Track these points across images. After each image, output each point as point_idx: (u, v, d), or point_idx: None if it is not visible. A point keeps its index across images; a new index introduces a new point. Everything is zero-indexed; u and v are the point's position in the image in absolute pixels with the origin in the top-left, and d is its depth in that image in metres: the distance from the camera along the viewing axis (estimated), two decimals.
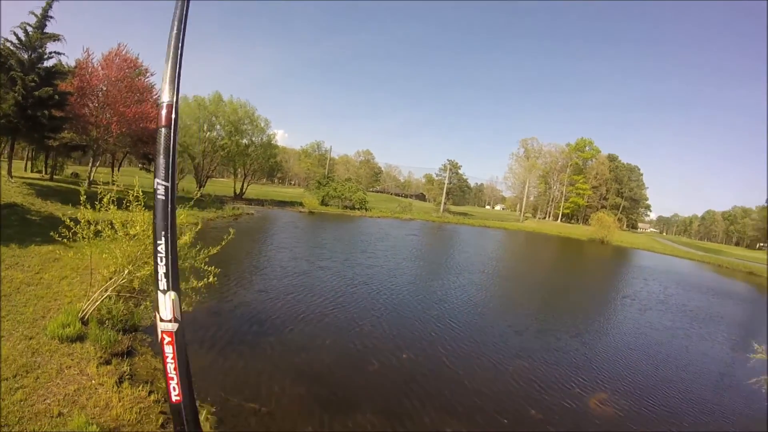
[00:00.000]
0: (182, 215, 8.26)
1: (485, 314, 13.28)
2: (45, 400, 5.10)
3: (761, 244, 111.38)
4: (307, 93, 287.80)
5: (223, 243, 7.53)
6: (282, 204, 48.48)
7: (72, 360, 6.13)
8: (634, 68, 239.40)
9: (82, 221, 7.34)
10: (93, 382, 5.67)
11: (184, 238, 7.41)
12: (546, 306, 16.29)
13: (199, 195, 28.39)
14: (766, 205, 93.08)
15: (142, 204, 7.35)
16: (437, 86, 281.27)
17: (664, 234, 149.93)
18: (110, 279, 7.87)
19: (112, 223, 7.21)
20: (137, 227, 7.08)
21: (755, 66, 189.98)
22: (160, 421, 5.09)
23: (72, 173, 34.93)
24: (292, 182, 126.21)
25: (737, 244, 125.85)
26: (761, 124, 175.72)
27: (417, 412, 6.61)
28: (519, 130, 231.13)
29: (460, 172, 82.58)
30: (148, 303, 8.23)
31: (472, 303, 14.42)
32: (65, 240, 7.39)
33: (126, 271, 7.28)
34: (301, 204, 48.47)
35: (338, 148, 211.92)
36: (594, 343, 11.96)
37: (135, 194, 7.36)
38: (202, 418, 5.23)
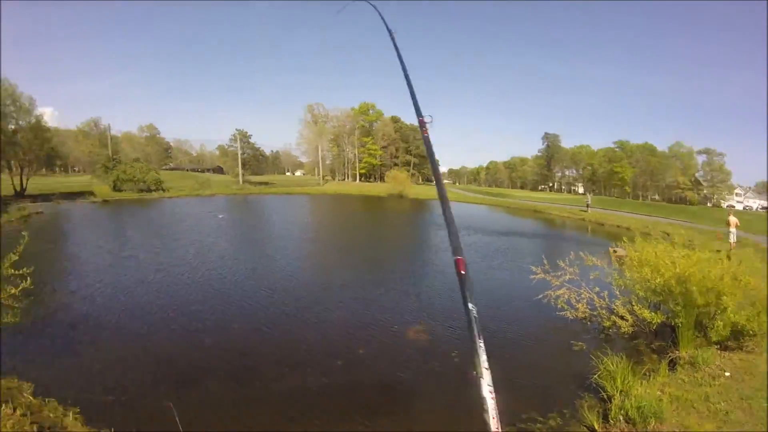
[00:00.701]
0: None
1: (304, 277, 17.84)
2: None
3: (542, 186, 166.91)
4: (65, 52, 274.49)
5: (20, 247, 8.36)
6: (71, 196, 52.42)
7: None
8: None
9: None
10: None
11: None
12: (358, 261, 21.82)
13: None
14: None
15: None
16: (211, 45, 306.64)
17: (457, 184, 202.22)
18: None
19: None
20: None
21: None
22: (35, 429, 6.38)
23: None
24: (76, 169, 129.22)
25: (521, 187, 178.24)
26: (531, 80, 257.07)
27: (257, 371, 9.19)
28: (306, 97, 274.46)
29: (252, 141, 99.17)
30: None
31: (289, 269, 19.07)
32: None
33: None
34: (92, 193, 54.51)
35: (119, 124, 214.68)
36: (416, 284, 16.79)
37: None
38: (69, 419, 6.92)
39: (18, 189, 49.65)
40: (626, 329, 11.34)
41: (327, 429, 7.49)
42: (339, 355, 10.22)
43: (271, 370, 9.48)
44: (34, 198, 47.38)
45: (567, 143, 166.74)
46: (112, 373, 9.07)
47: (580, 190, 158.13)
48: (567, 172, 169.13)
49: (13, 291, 8.41)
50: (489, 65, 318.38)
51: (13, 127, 46.65)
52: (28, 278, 8.52)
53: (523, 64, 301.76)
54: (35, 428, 6.53)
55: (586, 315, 12.61)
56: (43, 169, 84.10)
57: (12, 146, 46.78)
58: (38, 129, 50.36)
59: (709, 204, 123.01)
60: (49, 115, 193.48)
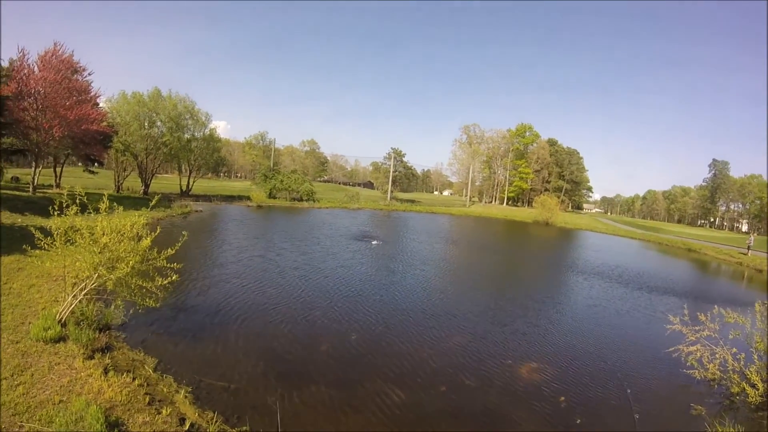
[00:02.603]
0: (140, 218, 10.41)
1: (432, 298, 17.71)
2: (44, 391, 7.04)
3: (701, 221, 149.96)
4: (247, 80, 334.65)
5: (178, 244, 9.95)
6: (230, 199, 56.91)
7: (59, 357, 8.26)
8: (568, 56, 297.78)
9: (55, 232, 9.64)
10: (82, 374, 7.73)
11: (145, 242, 9.79)
12: (490, 288, 21.73)
13: (142, 194, 45.41)
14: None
15: (106, 209, 9.99)
16: (382, 74, 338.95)
17: (608, 214, 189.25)
18: (78, 284, 10.25)
19: (80, 231, 9.60)
20: (105, 237, 9.51)
21: (680, 50, 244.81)
22: (147, 400, 7.32)
23: (12, 177, 42.18)
24: (238, 175, 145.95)
25: (678, 221, 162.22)
26: (693, 107, 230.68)
27: (364, 382, 9.50)
28: (462, 117, 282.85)
29: (405, 159, 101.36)
30: (118, 302, 10.72)
31: (421, 288, 19.30)
32: (34, 250, 9.98)
33: (96, 275, 9.55)
34: (248, 198, 57.34)
35: (283, 139, 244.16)
36: (533, 319, 16.12)
37: (104, 203, 10.00)
38: (180, 396, 7.84)
39: (184, 189, 55.73)
40: (754, 399, 10.24)
41: None
42: (445, 381, 10.34)
43: (376, 383, 9.80)
44: (197, 198, 52.97)
45: (737, 172, 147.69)
46: (229, 361, 9.96)
47: (744, 227, 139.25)
48: (732, 206, 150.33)
49: (161, 282, 9.81)
50: (650, 80, 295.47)
51: (188, 136, 52.92)
52: (175, 275, 10.02)
53: (691, 79, 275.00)
54: (147, 399, 7.53)
55: (716, 377, 11.52)
56: (210, 174, 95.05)
57: (185, 152, 52.95)
58: (210, 139, 56.88)
59: None
60: (223, 128, 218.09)
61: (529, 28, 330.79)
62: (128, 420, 6.86)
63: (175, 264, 10.04)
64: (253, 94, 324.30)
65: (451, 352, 12.24)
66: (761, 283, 33.31)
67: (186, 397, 8.07)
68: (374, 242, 24.38)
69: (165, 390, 8.23)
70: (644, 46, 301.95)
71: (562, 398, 10.21)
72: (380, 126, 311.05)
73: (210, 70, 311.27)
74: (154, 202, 12.75)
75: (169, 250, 10.11)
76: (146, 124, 47.20)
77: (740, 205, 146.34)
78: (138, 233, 10.21)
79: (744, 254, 48.05)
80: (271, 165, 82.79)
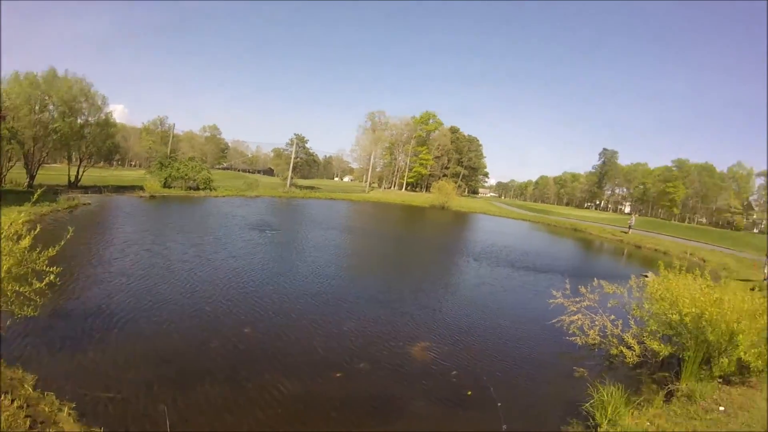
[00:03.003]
0: (20, 216, 9.58)
1: (325, 285, 17.40)
2: None
3: (588, 204, 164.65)
4: (151, 59, 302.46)
5: (62, 243, 9.16)
6: (122, 189, 52.92)
7: None
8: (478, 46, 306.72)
9: None
10: None
11: (23, 242, 8.63)
12: (383, 272, 22.01)
13: (27, 186, 40.54)
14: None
15: None
16: (285, 57, 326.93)
17: (502, 198, 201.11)
18: None
19: None
20: None
21: (579, 46, 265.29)
22: (28, 424, 6.53)
23: None
24: (133, 163, 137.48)
25: (567, 204, 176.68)
26: (586, 100, 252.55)
27: (258, 375, 9.31)
28: (368, 104, 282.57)
29: (308, 145, 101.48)
30: None
31: (314, 275, 18.83)
32: None
33: None
34: (141, 188, 53.38)
35: (184, 124, 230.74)
36: (424, 301, 16.37)
37: None
38: (64, 414, 7.06)
39: (72, 180, 51.08)
40: (631, 359, 11.25)
41: None
42: (340, 367, 10.27)
43: (270, 375, 9.55)
44: (86, 189, 48.44)
45: (625, 160, 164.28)
46: (114, 370, 9.25)
47: (627, 209, 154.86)
48: (617, 191, 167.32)
49: (38, 285, 8.83)
50: (548, 74, 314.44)
51: (81, 121, 48.40)
52: (53, 275, 8.93)
53: (585, 75, 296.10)
54: (28, 422, 6.76)
55: (596, 342, 12.58)
56: (102, 163, 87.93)
57: (77, 140, 48.60)
58: (105, 125, 52.49)
59: (755, 230, 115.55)
60: (120, 112, 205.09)
61: (436, 17, 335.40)
62: None
63: (56, 267, 9.07)
64: (156, 76, 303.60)
65: (344, 338, 12.23)
66: (639, 258, 36.92)
67: (70, 414, 7.32)
68: (268, 232, 23.66)
69: (47, 410, 7.33)
70: (545, 40, 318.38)
71: (454, 373, 10.53)
72: (284, 112, 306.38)
73: (110, 50, 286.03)
74: (36, 195, 11.17)
75: (50, 250, 9.12)
76: (37, 108, 42.90)
77: (624, 190, 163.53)
78: (17, 232, 9.01)
79: (625, 233, 53.20)
80: (168, 152, 77.49)
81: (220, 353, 10.61)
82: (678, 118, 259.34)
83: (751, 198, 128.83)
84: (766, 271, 24.50)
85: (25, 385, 8.00)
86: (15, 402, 7.15)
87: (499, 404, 9.21)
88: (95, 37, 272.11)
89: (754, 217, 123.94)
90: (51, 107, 44.63)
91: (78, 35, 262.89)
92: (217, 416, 7.96)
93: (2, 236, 8.66)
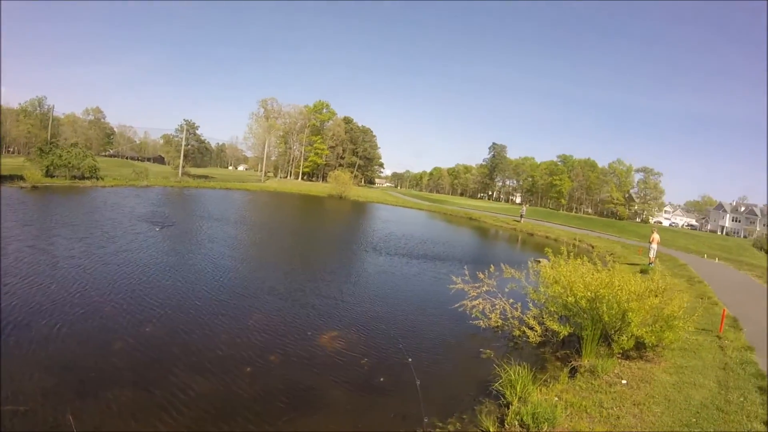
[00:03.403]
0: None
1: (224, 279, 17.02)
2: None
3: (481, 194, 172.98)
4: (26, 31, 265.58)
5: None
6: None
7: None
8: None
9: None
10: None
11: None
12: (283, 264, 21.77)
13: None
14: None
15: None
16: (176, 38, 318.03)
17: (398, 188, 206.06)
18: None
19: None
20: None
21: (479, 42, 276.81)
22: None
23: None
24: (11, 150, 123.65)
25: (461, 194, 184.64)
26: (479, 96, 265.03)
27: (165, 376, 8.93)
28: (261, 91, 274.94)
29: (198, 132, 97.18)
30: None
31: (212, 269, 18.40)
32: None
33: None
34: (22, 178, 50.66)
35: (65, 106, 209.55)
36: (326, 291, 16.37)
37: None
38: None
39: None
40: (534, 339, 11.97)
41: None
42: (249, 362, 10.07)
43: (178, 376, 9.15)
44: None
45: (513, 154, 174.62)
46: (14, 380, 8.45)
47: (518, 200, 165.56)
48: (508, 182, 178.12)
49: None
50: (445, 69, 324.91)
51: None
52: None
53: (480, 72, 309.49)
54: None
55: (499, 324, 13.26)
56: None
57: None
58: None
59: (638, 219, 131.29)
60: None
61: (337, 7, 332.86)
62: None
63: None
64: (34, 49, 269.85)
65: (251, 332, 11.95)
66: (532, 245, 39.22)
67: None
68: (157, 228, 22.17)
69: None
70: (437, 34, 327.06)
71: (365, 360, 10.65)
72: (173, 95, 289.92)
73: None
74: None
75: None
76: None
77: (514, 182, 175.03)
78: None
79: (518, 221, 56.53)
80: (48, 137, 72.50)
81: (123, 356, 9.98)
82: (562, 115, 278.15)
83: (631, 191, 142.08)
84: (651, 255, 26.59)
85: None
86: None
87: (410, 359, 9.37)
88: None
89: (635, 208, 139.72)
90: None
91: None
92: (129, 423, 7.47)
93: None
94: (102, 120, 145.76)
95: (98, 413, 7.66)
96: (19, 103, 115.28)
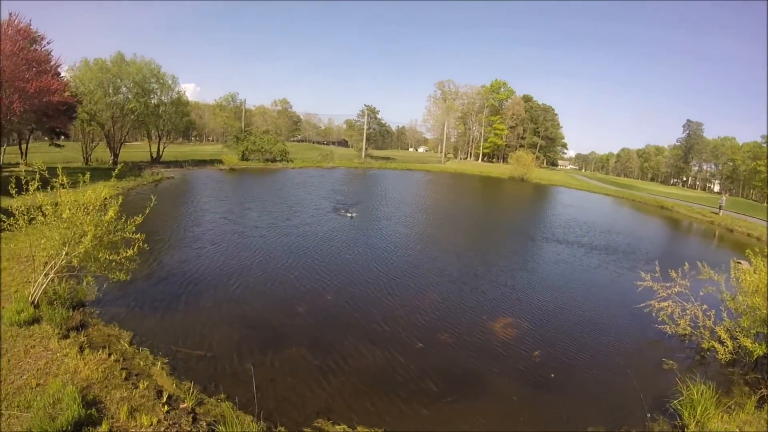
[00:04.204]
0: (104, 189, 10.28)
1: (405, 256, 17.88)
2: (22, 376, 7.01)
3: (674, 180, 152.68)
4: (214, 40, 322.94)
5: (147, 211, 9.88)
6: (202, 163, 55.71)
7: (34, 340, 8.23)
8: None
9: (17, 212, 9.51)
10: (58, 354, 7.74)
11: (110, 213, 9.56)
12: (465, 245, 21.79)
13: (111, 164, 42.25)
14: None
15: (67, 184, 9.60)
16: (356, 30, 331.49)
17: (583, 170, 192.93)
18: (48, 263, 9.95)
19: (42, 209, 9.31)
20: (67, 210, 9.18)
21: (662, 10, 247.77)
22: (123, 375, 7.35)
23: None
24: (210, 139, 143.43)
25: (652, 179, 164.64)
26: (669, 69, 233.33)
27: (340, 341, 9.68)
28: (437, 74, 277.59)
29: (379, 116, 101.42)
30: (89, 278, 10.34)
31: (394, 246, 19.36)
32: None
33: (64, 252, 9.30)
34: (220, 162, 56.65)
35: (254, 99, 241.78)
36: (501, 277, 16.35)
37: (60, 179, 9.55)
38: (157, 368, 7.90)
39: (154, 156, 54.02)
40: (724, 356, 10.68)
41: (384, 408, 7.88)
42: (421, 338, 10.54)
43: (352, 343, 9.95)
44: (168, 164, 51.10)
45: (711, 134, 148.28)
46: (204, 330, 9.97)
47: (716, 188, 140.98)
48: (705, 167, 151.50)
49: (128, 253, 9.72)
50: (629, 40, 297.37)
51: (155, 101, 50.98)
52: (142, 242, 9.93)
53: (671, 41, 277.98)
54: (124, 374, 7.59)
55: (687, 332, 12.06)
56: (180, 139, 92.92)
57: (153, 118, 51.30)
58: (178, 103, 54.92)
59: None
60: (192, 90, 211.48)
61: None
62: (105, 397, 6.86)
63: (140, 234, 9.86)
64: (223, 54, 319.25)
65: (426, 309, 12.49)
66: (732, 242, 34.15)
67: (163, 368, 8.09)
68: (349, 214, 24.15)
69: (141, 363, 8.22)
70: (625, 6, 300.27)
71: (536, 353, 10.58)
72: (354, 83, 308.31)
73: (175, 30, 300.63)
74: (117, 171, 11.94)
75: (137, 218, 9.98)
76: (111, 90, 45.21)
77: (712, 166, 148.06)
78: (104, 204, 9.98)
79: (715, 213, 48.92)
80: (243, 126, 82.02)
81: (303, 319, 11.27)
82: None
83: None
84: None
85: (122, 341, 9.04)
86: (112, 356, 8.10)
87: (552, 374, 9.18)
88: (159, 22, 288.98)
89: None
90: (124, 89, 46.96)
91: (141, 20, 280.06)
92: (301, 379, 8.46)
93: (90, 209, 9.62)
94: (289, 110, 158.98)
95: (274, 367, 8.84)
96: (215, 99, 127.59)
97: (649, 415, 8.41)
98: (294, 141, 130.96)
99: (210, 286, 12.85)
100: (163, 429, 6.37)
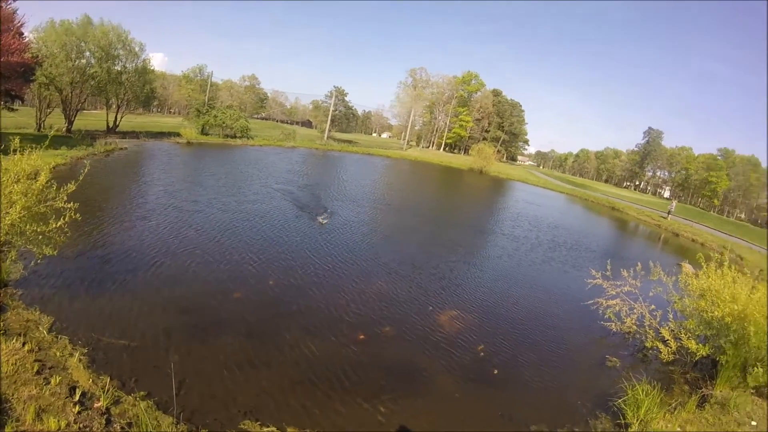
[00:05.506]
0: (38, 157, 9.04)
1: (353, 242, 17.22)
2: None
3: (627, 183, 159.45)
4: (188, 9, 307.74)
5: (81, 177, 9.07)
6: (159, 135, 53.32)
7: None
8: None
9: None
10: None
11: (40, 180, 8.60)
12: (414, 235, 21.26)
13: (65, 131, 40.09)
14: None
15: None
16: (331, 11, 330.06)
17: (541, 168, 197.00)
18: None
19: None
20: None
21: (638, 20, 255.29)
22: (36, 369, 6.52)
23: None
24: (172, 111, 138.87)
25: (606, 181, 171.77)
26: (635, 78, 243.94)
27: (278, 332, 9.07)
28: (409, 61, 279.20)
29: (347, 99, 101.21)
30: (13, 254, 9.25)
31: (344, 231, 18.74)
32: None
33: None
34: (178, 134, 54.25)
35: (223, 73, 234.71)
36: (456, 267, 16.23)
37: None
38: (74, 360, 7.06)
39: (110, 125, 51.41)
40: (666, 356, 10.76)
41: (320, 406, 7.33)
42: (363, 329, 10.08)
43: (291, 333, 9.33)
44: (124, 135, 48.70)
45: (669, 143, 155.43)
46: (133, 316, 9.05)
47: (666, 194, 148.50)
48: (659, 173, 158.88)
49: (56, 224, 8.65)
50: (599, 48, 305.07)
51: (119, 68, 48.47)
52: (73, 212, 8.67)
53: (634, 53, 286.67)
54: (36, 367, 6.72)
55: (632, 331, 12.18)
56: (141, 109, 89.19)
57: (114, 85, 48.66)
58: (143, 72, 52.54)
59: None
60: (160, 60, 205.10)
61: None
62: (12, 395, 6.03)
63: (72, 203, 8.69)
64: (195, 25, 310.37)
65: (371, 299, 11.98)
66: (676, 246, 35.41)
67: (80, 360, 7.23)
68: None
69: (58, 354, 7.29)
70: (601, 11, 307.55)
71: (481, 347, 10.30)
72: (325, 64, 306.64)
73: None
74: (46, 143, 10.48)
75: (71, 185, 8.89)
76: (73, 55, 42.81)
77: (666, 173, 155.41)
78: (35, 171, 8.91)
79: (664, 218, 51.24)
80: (206, 100, 77.92)
81: (241, 305, 10.43)
82: (725, 103, 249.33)
83: None
84: None
85: (40, 328, 8.00)
86: (26, 345, 7.16)
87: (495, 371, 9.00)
88: None
89: None
90: (87, 54, 44.79)
91: None
92: (231, 373, 7.75)
93: (20, 177, 8.58)
94: (257, 86, 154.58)
95: (204, 359, 8.02)
96: (182, 71, 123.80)
97: (592, 414, 8.31)
98: (258, 118, 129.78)
99: (145, 264, 11.86)
100: None
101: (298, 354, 8.71)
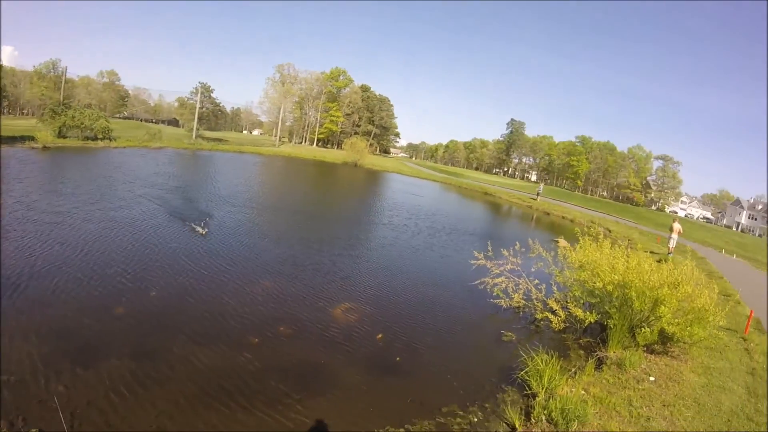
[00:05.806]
0: None
1: (232, 242, 16.60)
2: None
3: (496, 170, 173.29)
4: None
5: None
6: (11, 140, 48.42)
7: None
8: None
9: None
10: None
11: None
12: (297, 229, 21.15)
13: None
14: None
15: None
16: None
17: (413, 159, 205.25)
18: None
19: None
20: None
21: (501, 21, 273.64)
22: None
23: None
24: (25, 111, 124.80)
25: (476, 169, 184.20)
26: (499, 72, 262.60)
27: (167, 346, 8.48)
28: (279, 57, 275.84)
29: (214, 95, 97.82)
30: None
31: (224, 232, 18.11)
32: None
33: None
34: (32, 138, 50.14)
35: (79, 68, 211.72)
36: (341, 261, 15.96)
37: None
38: None
39: None
40: (558, 325, 11.42)
41: (224, 418, 6.78)
42: (256, 332, 9.56)
43: (180, 347, 8.60)
44: None
45: (531, 132, 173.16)
46: (5, 347, 7.77)
47: (533, 178, 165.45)
48: (524, 160, 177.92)
49: None
50: (468, 44, 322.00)
51: None
52: None
53: (506, 51, 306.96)
54: None
55: (521, 305, 12.77)
56: None
57: None
58: None
59: (653, 207, 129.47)
60: (8, 54, 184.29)
61: None
62: None
63: None
64: (51, 16, 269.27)
65: (260, 301, 11.38)
66: (548, 224, 38.70)
67: None
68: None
69: None
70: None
71: (380, 336, 10.20)
72: (189, 60, 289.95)
73: None
74: None
75: None
76: None
77: (531, 159, 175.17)
78: None
79: (534, 199, 55.85)
80: (61, 99, 71.49)
81: (124, 322, 9.36)
82: (582, 98, 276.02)
83: (649, 178, 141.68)
84: (670, 245, 25.75)
85: None
86: None
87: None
88: None
89: (652, 195, 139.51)
90: None
91: None
92: (123, 398, 6.86)
93: None
94: (116, 83, 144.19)
95: (92, 385, 7.09)
96: (34, 66, 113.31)
97: (498, 388, 8.46)
98: (120, 118, 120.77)
99: (7, 288, 10.14)
100: None
101: (191, 368, 7.96)
